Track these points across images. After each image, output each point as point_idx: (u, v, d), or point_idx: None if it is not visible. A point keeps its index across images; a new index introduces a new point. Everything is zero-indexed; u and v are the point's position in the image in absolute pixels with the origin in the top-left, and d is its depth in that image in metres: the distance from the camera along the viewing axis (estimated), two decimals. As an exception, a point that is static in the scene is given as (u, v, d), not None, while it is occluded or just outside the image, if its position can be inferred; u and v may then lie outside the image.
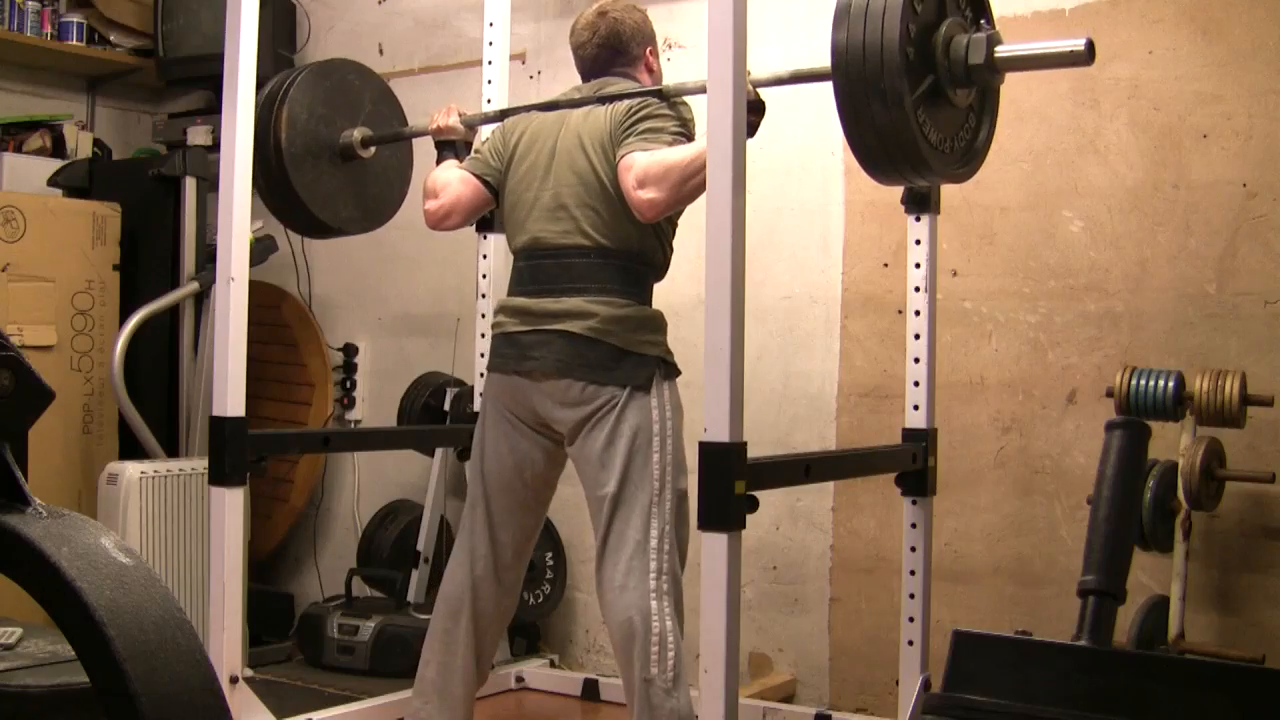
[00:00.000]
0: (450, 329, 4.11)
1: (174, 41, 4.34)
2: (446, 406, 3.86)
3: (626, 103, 2.61)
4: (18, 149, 4.16)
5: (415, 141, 3.33)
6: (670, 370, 2.60)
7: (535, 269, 2.65)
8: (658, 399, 2.54)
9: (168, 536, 3.56)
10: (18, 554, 1.04)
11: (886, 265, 3.32)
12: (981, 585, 3.18)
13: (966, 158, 2.31)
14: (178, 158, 3.88)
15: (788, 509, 3.44)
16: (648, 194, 2.46)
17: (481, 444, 2.75)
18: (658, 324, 2.61)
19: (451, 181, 2.81)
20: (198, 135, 4.27)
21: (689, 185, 2.44)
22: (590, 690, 3.52)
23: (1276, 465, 2.77)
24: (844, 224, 3.41)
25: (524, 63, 3.97)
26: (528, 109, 2.85)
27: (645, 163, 2.47)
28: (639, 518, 2.48)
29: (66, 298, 3.68)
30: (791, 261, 3.47)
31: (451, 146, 2.98)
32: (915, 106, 2.07)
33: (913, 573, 2.82)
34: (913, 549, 2.82)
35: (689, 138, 2.57)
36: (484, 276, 3.52)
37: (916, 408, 2.83)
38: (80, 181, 4.00)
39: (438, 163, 2.96)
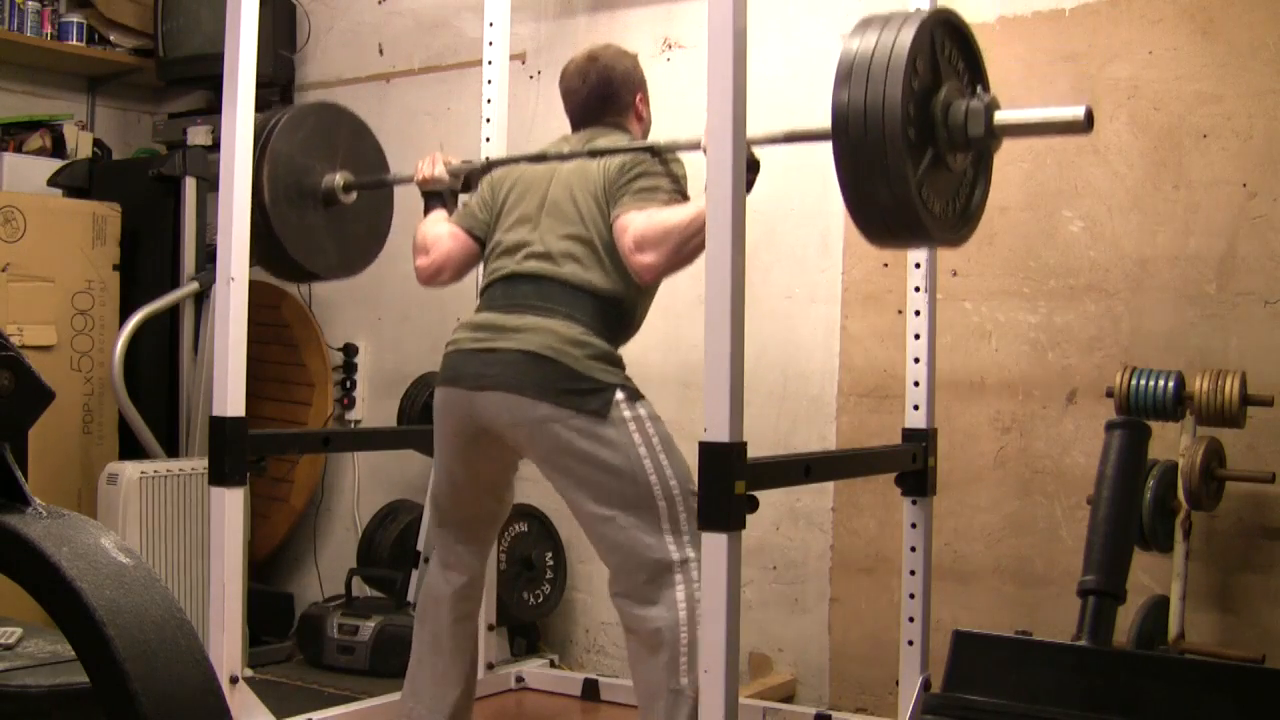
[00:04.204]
0: (450, 329, 4.10)
1: (174, 41, 4.34)
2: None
3: (619, 159, 2.59)
4: (18, 149, 4.16)
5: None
6: (633, 392, 2.52)
7: (509, 289, 2.61)
8: (631, 412, 2.47)
9: (168, 536, 3.56)
10: (18, 554, 1.04)
11: (886, 265, 3.32)
12: (981, 585, 3.18)
13: (962, 220, 2.28)
14: (178, 158, 3.88)
15: (788, 509, 3.44)
16: (647, 258, 2.45)
17: (439, 463, 2.73)
18: (617, 361, 2.54)
19: (441, 237, 2.79)
20: (198, 135, 4.27)
21: (688, 248, 2.42)
22: (590, 690, 3.52)
23: (1276, 465, 2.77)
24: (844, 224, 3.40)
25: (524, 63, 3.97)
26: (516, 160, 2.83)
27: (643, 225, 2.46)
28: (651, 536, 2.43)
29: (66, 298, 3.68)
30: (791, 261, 3.47)
31: (439, 197, 2.95)
32: (919, 185, 2.05)
33: (913, 573, 2.82)
34: (913, 549, 2.82)
35: (683, 196, 2.56)
36: (484, 276, 3.52)
37: (916, 408, 2.83)
38: (80, 181, 4.00)
39: (425, 213, 2.93)
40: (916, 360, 2.83)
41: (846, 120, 2.01)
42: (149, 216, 3.88)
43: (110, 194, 3.87)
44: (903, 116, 1.98)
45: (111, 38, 4.47)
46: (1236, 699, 2.25)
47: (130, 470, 3.51)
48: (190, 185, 3.85)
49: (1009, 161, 3.16)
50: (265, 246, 3.01)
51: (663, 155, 2.60)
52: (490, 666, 3.50)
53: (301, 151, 3.10)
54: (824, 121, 3.39)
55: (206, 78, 4.07)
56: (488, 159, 3.09)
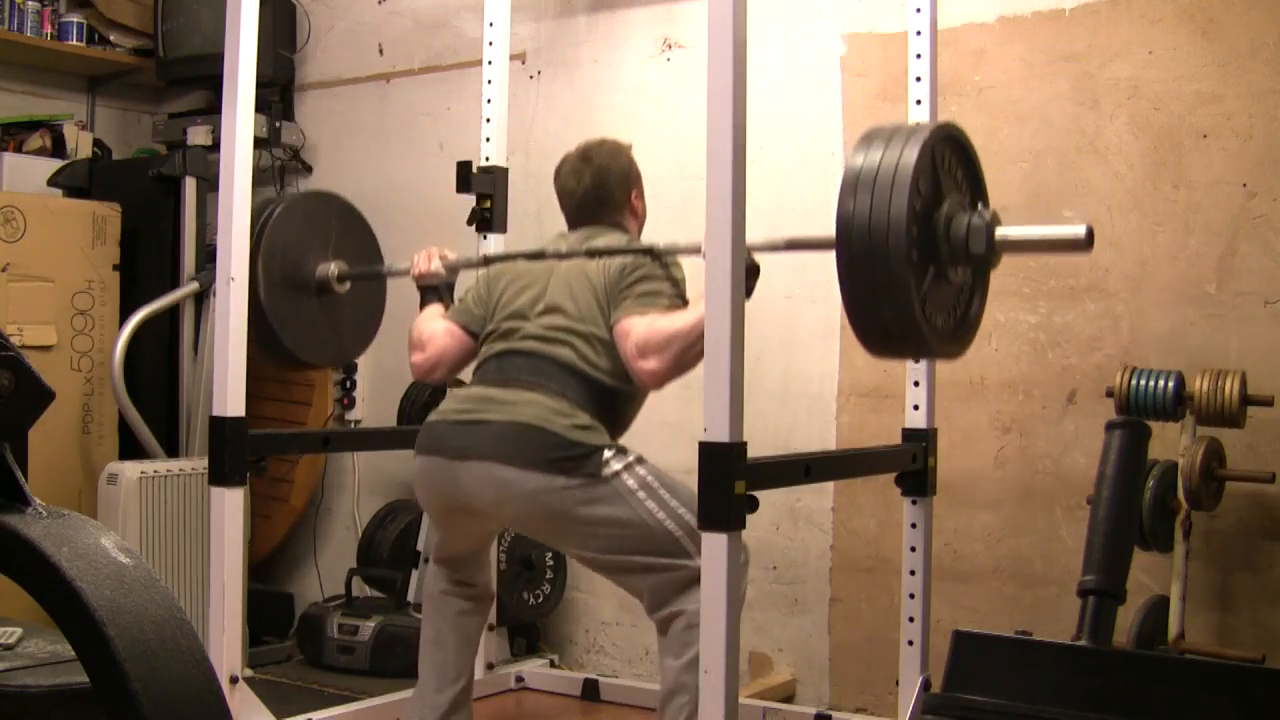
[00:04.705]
0: (450, 329, 4.11)
1: (174, 41, 4.34)
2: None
3: (619, 260, 2.60)
4: (18, 149, 4.16)
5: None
6: (620, 447, 2.51)
7: (502, 363, 2.61)
8: (620, 463, 2.46)
9: (168, 536, 3.56)
10: (18, 554, 1.04)
11: (886, 265, 3.32)
12: (981, 585, 3.18)
13: (959, 333, 2.29)
14: (178, 158, 3.88)
15: (788, 509, 3.43)
16: (649, 364, 2.46)
17: (429, 527, 2.75)
18: (603, 435, 2.53)
19: (437, 333, 2.79)
20: (198, 135, 4.27)
21: (690, 354, 2.41)
22: (590, 690, 3.52)
23: (1276, 465, 2.77)
24: (844, 224, 3.40)
25: (524, 63, 3.97)
26: (513, 257, 2.83)
27: (646, 330, 2.46)
28: (679, 559, 2.43)
29: (66, 298, 3.68)
30: (791, 261, 3.47)
31: (435, 291, 2.96)
32: (922, 302, 2.06)
33: (913, 573, 2.82)
34: (913, 549, 2.82)
35: (684, 300, 2.57)
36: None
37: (916, 408, 2.83)
38: (80, 181, 4.00)
39: (421, 307, 2.94)
40: (916, 360, 2.83)
41: (850, 238, 2.02)
42: (149, 216, 3.88)
43: (110, 194, 3.87)
44: (906, 238, 1.99)
45: (111, 38, 4.47)
46: (1236, 699, 2.25)
47: (130, 470, 3.50)
48: (190, 185, 3.85)
49: (1009, 162, 3.16)
50: (261, 336, 3.01)
51: (663, 259, 2.60)
52: (490, 666, 3.50)
53: (296, 241, 3.11)
54: (822, 122, 3.42)
55: (206, 78, 4.06)
56: (485, 255, 3.09)
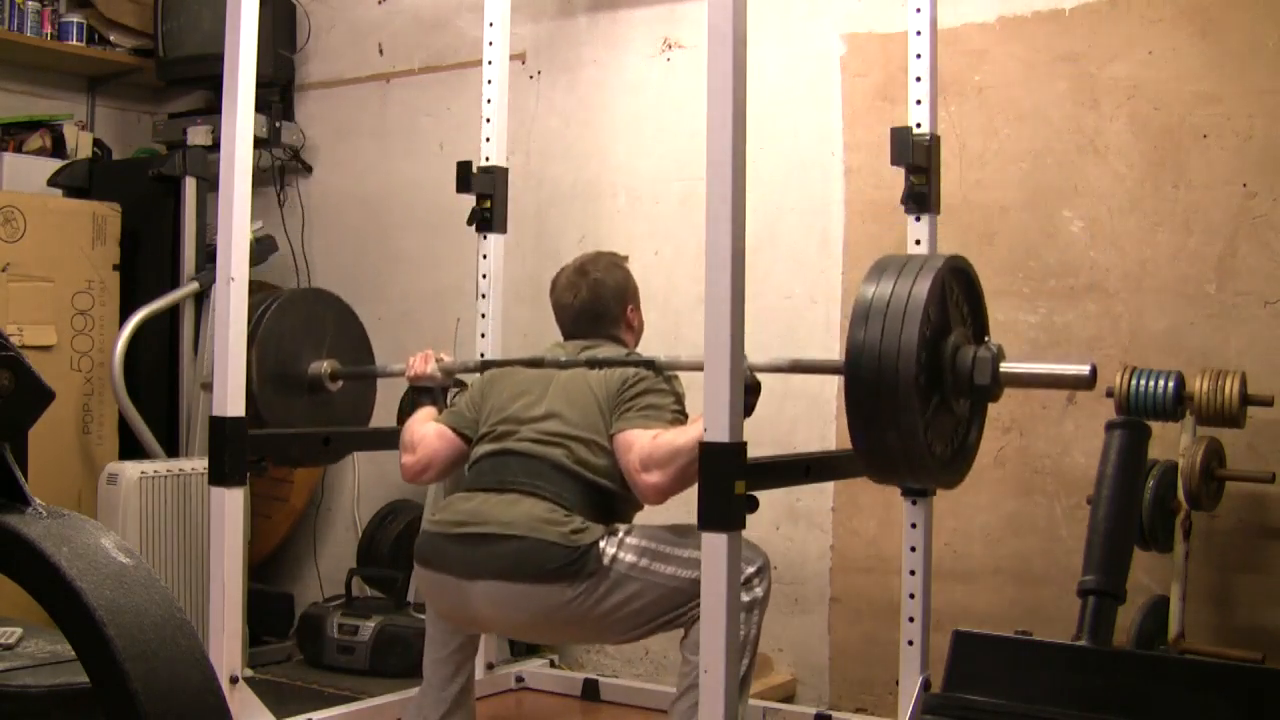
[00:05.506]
0: (450, 329, 4.11)
1: (174, 41, 4.34)
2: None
3: (620, 372, 2.60)
4: (18, 149, 4.16)
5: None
6: (609, 529, 2.51)
7: (498, 464, 2.60)
8: (614, 548, 2.46)
9: (168, 536, 3.56)
10: (18, 554, 1.04)
11: (886, 265, 3.32)
12: (981, 585, 3.18)
13: (956, 461, 2.30)
14: (178, 158, 3.88)
15: (788, 509, 3.43)
16: (653, 478, 2.45)
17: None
18: (597, 529, 2.52)
19: (428, 436, 2.79)
20: (198, 135, 4.26)
21: (693, 469, 2.38)
22: (590, 690, 3.52)
23: (1276, 465, 2.77)
24: (844, 224, 3.40)
25: (524, 63, 3.97)
26: (511, 363, 2.83)
27: (649, 445, 2.46)
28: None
29: (66, 298, 3.68)
30: (791, 261, 3.47)
31: (429, 393, 2.97)
32: (926, 428, 2.08)
33: (913, 573, 2.82)
34: (913, 549, 2.82)
35: (684, 415, 2.58)
36: (484, 276, 3.52)
37: (916, 408, 2.83)
38: (80, 181, 4.00)
39: (414, 408, 2.95)
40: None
41: (860, 364, 2.05)
42: (149, 216, 3.88)
43: (110, 194, 3.87)
44: (917, 364, 2.01)
45: (111, 38, 4.47)
46: (1236, 699, 2.25)
47: (130, 470, 3.50)
48: (190, 185, 3.85)
49: (1009, 161, 3.16)
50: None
51: (663, 372, 2.61)
52: (490, 666, 3.50)
53: (290, 337, 3.13)
54: (822, 122, 3.41)
55: (206, 78, 4.06)
56: (482, 360, 3.09)
